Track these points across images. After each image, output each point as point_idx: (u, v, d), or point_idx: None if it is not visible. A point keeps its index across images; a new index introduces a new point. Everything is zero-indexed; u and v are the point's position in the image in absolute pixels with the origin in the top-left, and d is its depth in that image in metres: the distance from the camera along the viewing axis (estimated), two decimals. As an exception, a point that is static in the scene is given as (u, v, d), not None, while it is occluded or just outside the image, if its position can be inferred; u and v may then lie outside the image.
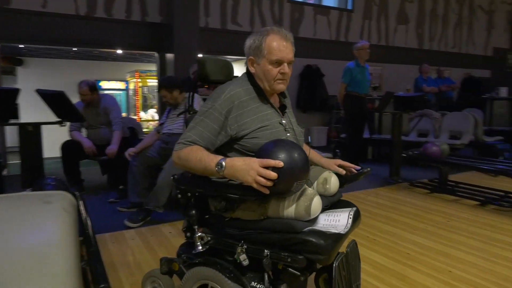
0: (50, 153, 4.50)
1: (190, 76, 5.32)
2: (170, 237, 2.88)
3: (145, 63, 10.13)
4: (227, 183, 1.43)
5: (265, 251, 1.35)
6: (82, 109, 3.78)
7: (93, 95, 3.94)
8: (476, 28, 10.13)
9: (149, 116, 9.77)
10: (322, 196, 1.43)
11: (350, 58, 5.30)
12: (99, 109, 3.99)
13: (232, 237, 1.44)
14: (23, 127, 2.90)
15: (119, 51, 7.40)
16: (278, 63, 1.46)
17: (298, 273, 1.34)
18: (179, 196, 1.52)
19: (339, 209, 1.51)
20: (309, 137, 6.19)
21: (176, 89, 3.37)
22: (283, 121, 1.53)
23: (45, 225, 1.04)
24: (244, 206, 1.40)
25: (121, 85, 10.43)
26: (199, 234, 1.48)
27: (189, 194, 1.51)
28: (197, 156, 1.36)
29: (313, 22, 7.67)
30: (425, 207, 3.63)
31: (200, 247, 1.46)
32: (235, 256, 1.39)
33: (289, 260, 1.31)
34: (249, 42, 1.53)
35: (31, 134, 2.91)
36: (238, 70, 5.64)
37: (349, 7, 8.13)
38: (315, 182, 1.55)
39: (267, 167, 1.23)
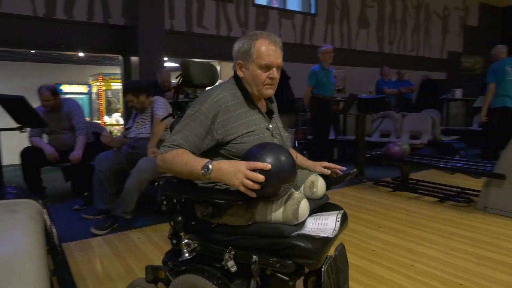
0: (8, 161, 4.29)
1: (156, 80, 5.27)
2: (139, 243, 2.84)
3: (108, 66, 9.88)
4: (214, 188, 1.41)
5: (254, 256, 1.32)
6: (43, 114, 3.64)
7: (56, 100, 3.81)
8: (432, 33, 10.60)
9: (114, 121, 9.52)
10: (309, 199, 1.42)
11: (315, 61, 5.41)
12: (61, 114, 3.86)
13: (219, 243, 1.41)
14: (-21, 134, 2.77)
15: (81, 54, 7.17)
16: (267, 67, 1.45)
17: (287, 278, 1.33)
18: (165, 202, 1.48)
19: (326, 212, 1.51)
20: (296, 142, 6.16)
21: (142, 93, 3.31)
22: (270, 126, 1.52)
23: (13, 234, 1.01)
24: (231, 212, 1.38)
25: (83, 88, 10.11)
26: (186, 241, 1.44)
27: (175, 200, 1.48)
28: (183, 159, 1.32)
29: (278, 25, 7.77)
30: (388, 205, 3.77)
31: (187, 254, 1.43)
32: (223, 263, 1.36)
33: (277, 265, 1.30)
34: (237, 46, 1.50)
35: (-12, 141, 2.79)
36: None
37: (313, 11, 8.29)
38: (302, 186, 1.54)
39: (254, 170, 1.20)
